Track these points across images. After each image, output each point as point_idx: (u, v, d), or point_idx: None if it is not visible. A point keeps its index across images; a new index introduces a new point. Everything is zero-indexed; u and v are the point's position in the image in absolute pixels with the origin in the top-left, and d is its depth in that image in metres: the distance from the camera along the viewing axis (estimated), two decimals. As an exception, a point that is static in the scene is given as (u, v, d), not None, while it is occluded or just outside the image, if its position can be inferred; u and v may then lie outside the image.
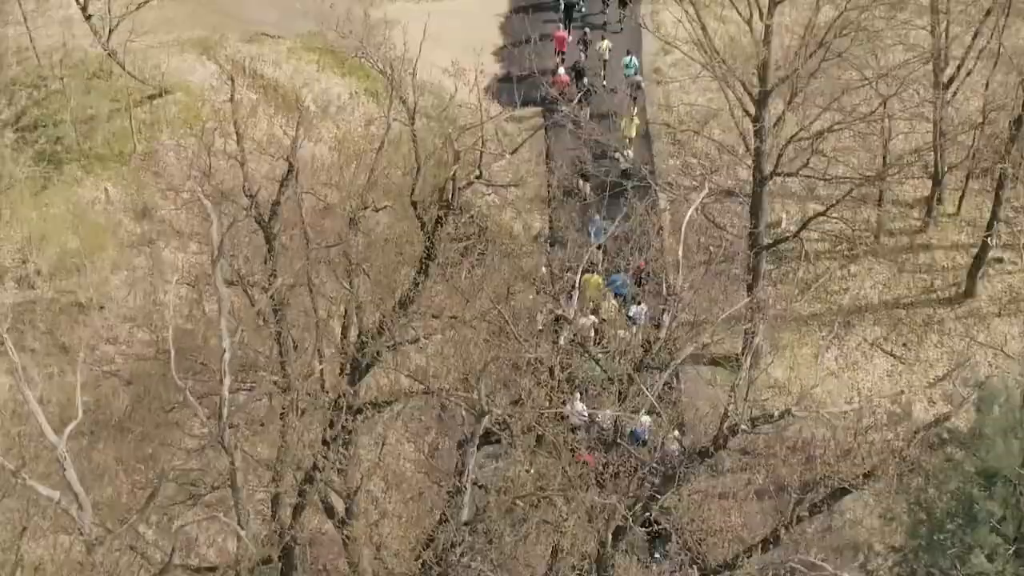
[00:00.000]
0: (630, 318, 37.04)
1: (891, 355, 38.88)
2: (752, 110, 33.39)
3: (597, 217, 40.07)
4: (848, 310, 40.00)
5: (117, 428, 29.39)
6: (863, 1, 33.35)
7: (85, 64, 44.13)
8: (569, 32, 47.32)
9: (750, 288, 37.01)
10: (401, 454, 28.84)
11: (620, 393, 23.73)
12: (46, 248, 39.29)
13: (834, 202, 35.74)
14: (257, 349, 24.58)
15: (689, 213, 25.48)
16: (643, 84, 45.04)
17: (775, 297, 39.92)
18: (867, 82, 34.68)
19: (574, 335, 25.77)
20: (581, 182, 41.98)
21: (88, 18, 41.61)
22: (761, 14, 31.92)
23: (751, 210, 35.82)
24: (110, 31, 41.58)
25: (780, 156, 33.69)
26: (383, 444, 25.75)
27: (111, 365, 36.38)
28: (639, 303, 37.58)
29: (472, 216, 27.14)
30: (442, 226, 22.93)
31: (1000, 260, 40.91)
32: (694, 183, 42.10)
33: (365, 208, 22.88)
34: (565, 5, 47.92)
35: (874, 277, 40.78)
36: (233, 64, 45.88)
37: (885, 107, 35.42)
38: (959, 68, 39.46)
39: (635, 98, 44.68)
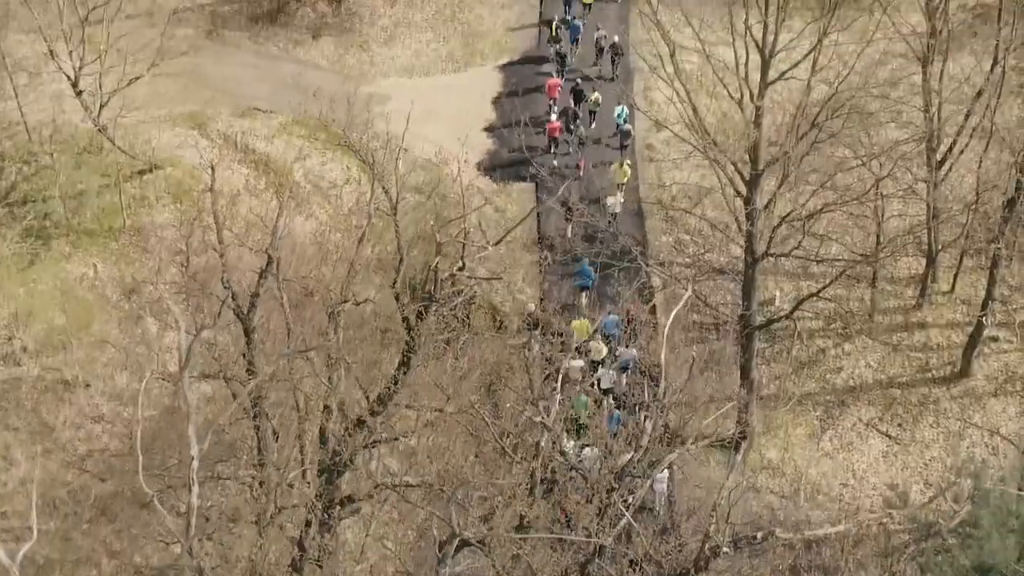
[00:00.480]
0: (622, 366, 37.80)
1: (886, 436, 38.39)
2: (744, 191, 33.15)
3: (585, 261, 40.63)
4: (842, 389, 39.54)
5: (95, 517, 28.86)
6: (854, 82, 33.24)
7: (75, 139, 43.99)
8: (563, 79, 47.87)
9: (743, 368, 36.69)
10: (382, 552, 28.23)
11: (600, 509, 23.25)
12: (32, 325, 38.87)
13: (827, 283, 35.45)
14: (237, 439, 24.17)
15: (672, 316, 25.12)
16: (633, 132, 45.58)
17: (768, 376, 39.58)
18: (860, 163, 34.49)
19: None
20: (565, 223, 42.86)
21: (79, 94, 41.50)
22: (752, 95, 31.74)
23: (743, 290, 35.51)
24: (101, 107, 41.51)
25: (772, 236, 33.40)
26: (363, 546, 25.20)
27: (95, 443, 36.06)
28: (629, 346, 37.87)
29: (460, 291, 26.75)
30: (424, 319, 22.56)
31: (996, 339, 40.52)
32: (687, 260, 41.94)
33: (345, 302, 22.52)
34: (558, 55, 48.62)
35: (868, 356, 40.35)
36: (224, 139, 45.87)
37: (878, 188, 35.21)
38: (952, 147, 39.31)
39: (625, 146, 45.39)
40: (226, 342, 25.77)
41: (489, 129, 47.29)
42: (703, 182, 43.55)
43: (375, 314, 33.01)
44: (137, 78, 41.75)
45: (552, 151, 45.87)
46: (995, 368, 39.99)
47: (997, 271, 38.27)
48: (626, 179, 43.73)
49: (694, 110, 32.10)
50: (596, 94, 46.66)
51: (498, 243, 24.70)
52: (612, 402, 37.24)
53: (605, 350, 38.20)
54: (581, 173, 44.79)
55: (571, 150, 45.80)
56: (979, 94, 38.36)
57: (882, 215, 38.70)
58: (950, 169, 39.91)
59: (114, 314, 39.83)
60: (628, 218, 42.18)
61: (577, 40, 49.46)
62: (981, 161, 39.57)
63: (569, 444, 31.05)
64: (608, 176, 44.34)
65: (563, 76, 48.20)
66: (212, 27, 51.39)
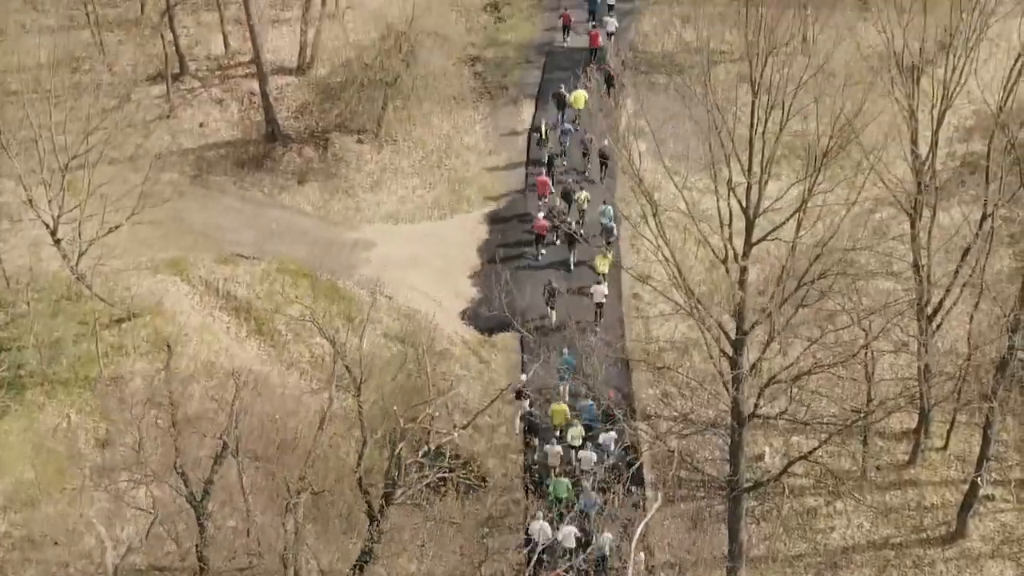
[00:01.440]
0: (599, 446, 38.78)
1: (880, 601, 37.13)
2: (730, 351, 32.39)
3: (565, 350, 41.46)
4: (834, 551, 38.29)
5: None
6: (843, 237, 32.70)
7: (53, 286, 43.38)
8: (552, 180, 48.91)
9: (731, 530, 35.59)
10: None
11: None
12: (1, 479, 37.87)
13: (817, 445, 34.54)
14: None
15: (638, 531, 24.17)
16: (616, 230, 46.68)
17: (757, 537, 38.40)
18: (850, 322, 33.80)
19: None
20: (548, 307, 44.26)
21: (57, 243, 40.98)
22: (736, 256, 31.16)
23: (731, 452, 34.55)
24: (80, 255, 40.95)
25: (760, 396, 32.57)
26: None
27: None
28: (609, 431, 38.39)
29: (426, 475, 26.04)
30: (388, 508, 21.62)
31: (991, 498, 39.45)
32: (674, 414, 40.99)
33: (300, 493, 21.59)
34: (548, 157, 49.74)
35: (861, 515, 39.18)
36: (206, 285, 45.33)
37: (868, 347, 34.46)
38: (944, 299, 38.66)
39: (609, 242, 46.43)
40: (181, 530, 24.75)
41: (474, 277, 46.67)
42: (691, 333, 42.81)
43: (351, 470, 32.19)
44: (116, 227, 41.26)
45: (538, 249, 46.94)
46: (991, 528, 38.84)
47: (991, 430, 37.35)
48: (608, 269, 44.71)
49: (678, 270, 31.47)
50: (585, 193, 47.55)
51: (466, 426, 23.81)
52: (590, 484, 37.87)
53: (583, 435, 39.18)
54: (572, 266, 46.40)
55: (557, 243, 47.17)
56: (967, 251, 37.84)
57: (872, 370, 37.93)
58: (941, 323, 39.23)
59: (87, 468, 38.82)
60: (614, 371, 41.35)
61: (566, 144, 50.75)
62: (972, 316, 38.91)
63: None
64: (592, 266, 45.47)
65: (552, 178, 49.14)
66: (197, 172, 51.14)
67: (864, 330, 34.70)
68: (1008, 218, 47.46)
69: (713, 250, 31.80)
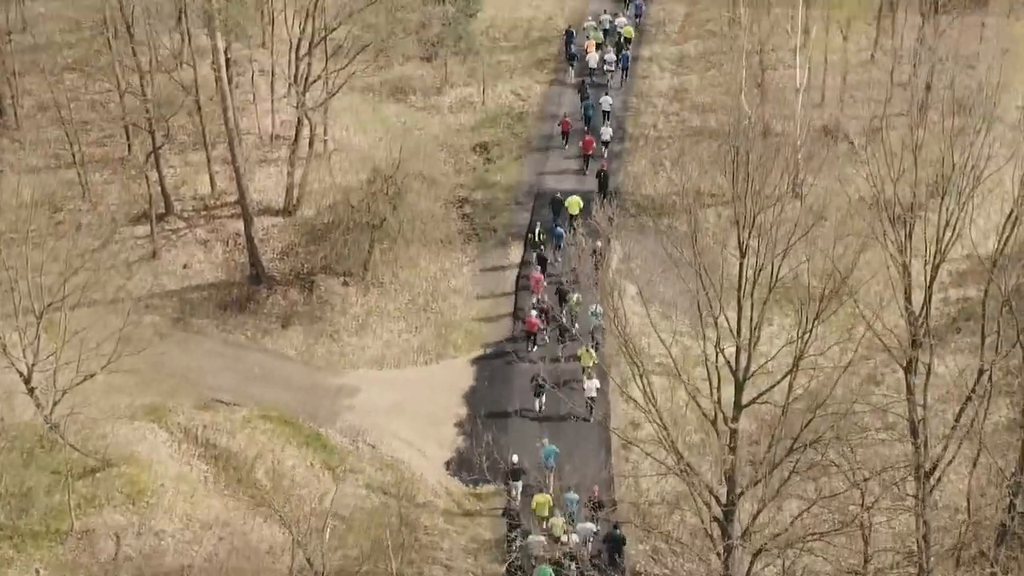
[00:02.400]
0: (582, 539, 39.58)
1: None
2: (720, 515, 31.23)
3: (546, 440, 42.82)
4: None
5: None
6: (836, 399, 31.78)
7: (26, 435, 42.09)
8: (545, 276, 50.57)
9: None
10: None
11: None
12: (-35, 640, 36.42)
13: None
14: None
15: None
16: (604, 329, 46.88)
17: None
18: (846, 485, 32.66)
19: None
20: (535, 398, 45.49)
21: (31, 391, 39.94)
22: (726, 419, 30.19)
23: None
24: (54, 404, 39.89)
25: (752, 564, 31.34)
26: None
27: None
28: (588, 521, 39.94)
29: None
30: None
31: (994, 662, 37.84)
32: (665, 571, 39.60)
33: None
34: (540, 258, 51.23)
35: None
36: (185, 433, 44.24)
37: (864, 502, 33.29)
38: (942, 455, 37.52)
39: (596, 342, 47.38)
40: None
41: (459, 425, 45.55)
42: (681, 486, 41.58)
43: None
44: (91, 375, 40.24)
45: (529, 346, 48.17)
46: None
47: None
48: (592, 363, 45.75)
49: (667, 432, 30.47)
50: (577, 295, 48.60)
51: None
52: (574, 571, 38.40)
53: (563, 526, 39.86)
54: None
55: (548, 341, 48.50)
56: (965, 404, 36.83)
57: (869, 532, 36.63)
58: (940, 477, 38.05)
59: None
60: (602, 532, 40.19)
61: (560, 246, 52.23)
62: (972, 472, 37.75)
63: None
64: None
65: (545, 274, 50.90)
66: (179, 314, 50.35)
67: (860, 489, 33.63)
68: (1005, 367, 46.55)
69: (703, 411, 30.81)
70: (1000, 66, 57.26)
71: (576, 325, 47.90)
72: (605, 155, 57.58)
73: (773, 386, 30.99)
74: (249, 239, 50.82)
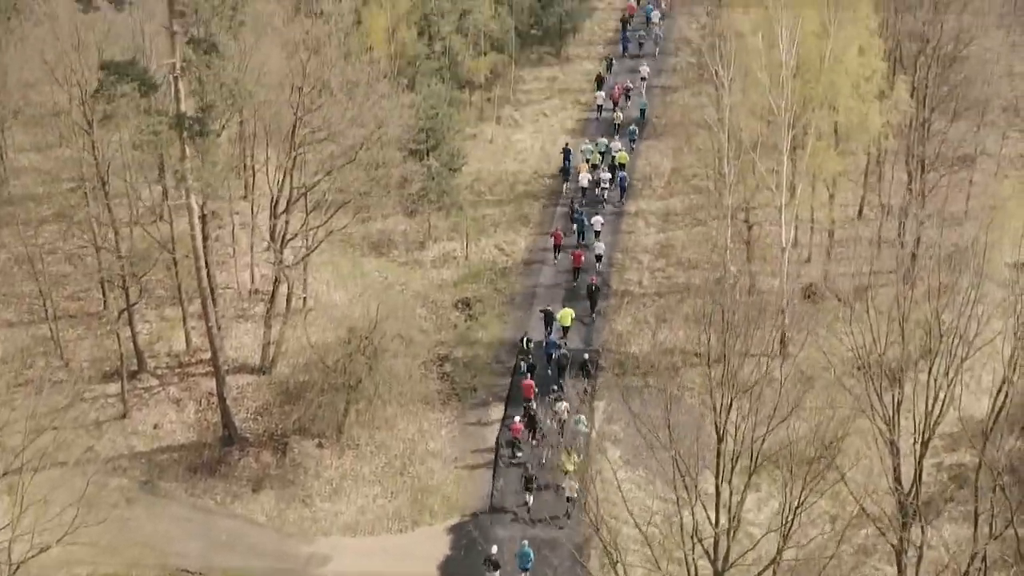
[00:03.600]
0: None
1: None
2: None
3: (525, 542, 43.79)
4: None
5: None
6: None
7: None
8: (534, 384, 51.70)
9: None
10: None
11: None
12: None
13: None
14: None
15: None
16: (586, 434, 48.02)
17: None
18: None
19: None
20: (525, 493, 46.77)
21: (-17, 563, 38.19)
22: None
23: None
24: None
25: None
26: None
27: None
28: None
29: None
30: None
31: None
32: None
33: None
34: (528, 366, 52.80)
35: None
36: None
37: None
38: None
39: (580, 450, 47.51)
40: None
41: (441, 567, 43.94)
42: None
43: None
44: (46, 548, 38.52)
45: (513, 451, 49.21)
46: None
47: None
48: (573, 468, 45.77)
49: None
50: (564, 404, 49.82)
51: None
52: None
53: None
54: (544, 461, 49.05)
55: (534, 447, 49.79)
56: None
57: None
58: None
59: None
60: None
61: (551, 356, 53.49)
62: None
63: None
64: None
65: (534, 380, 51.97)
66: (147, 477, 48.67)
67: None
68: (1001, 537, 44.97)
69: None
70: (988, 224, 57.20)
71: (564, 432, 48.78)
72: (598, 269, 59.92)
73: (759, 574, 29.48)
74: (221, 399, 49.44)
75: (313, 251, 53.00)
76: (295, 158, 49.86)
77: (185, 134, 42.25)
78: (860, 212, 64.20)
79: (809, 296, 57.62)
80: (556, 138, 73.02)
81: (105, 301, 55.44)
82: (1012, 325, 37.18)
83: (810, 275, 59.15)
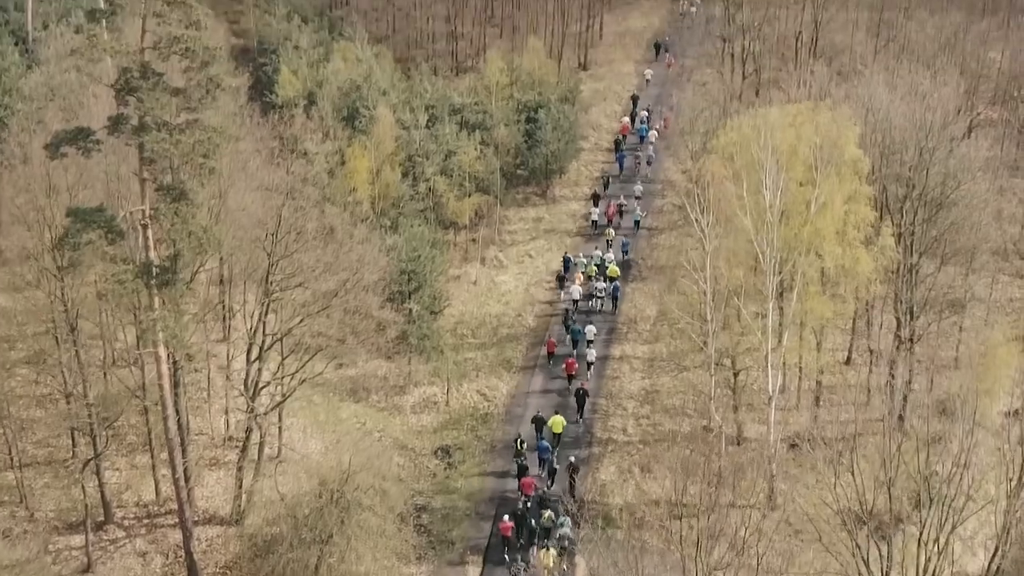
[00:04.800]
0: None
1: None
2: None
3: None
4: None
5: None
6: None
7: None
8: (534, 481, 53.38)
9: None
10: None
11: None
12: None
13: None
14: None
15: None
16: (571, 538, 49.60)
17: None
18: None
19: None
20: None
21: None
22: None
23: None
24: None
25: None
26: None
27: None
28: None
29: None
30: None
31: None
32: None
33: None
34: (519, 467, 53.81)
35: None
36: None
37: None
38: None
39: (563, 548, 49.45)
40: None
41: None
42: None
43: None
44: None
45: (505, 551, 49.97)
46: None
47: None
48: (552, 564, 47.69)
49: None
50: (548, 512, 50.51)
51: None
52: None
53: None
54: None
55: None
56: None
57: None
58: None
59: None
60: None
61: (543, 461, 54.77)
62: None
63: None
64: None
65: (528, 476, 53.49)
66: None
67: None
68: None
69: None
70: (978, 373, 56.06)
71: (548, 541, 49.76)
72: (589, 376, 62.02)
73: None
74: (188, 554, 47.59)
75: (286, 399, 51.62)
76: (267, 304, 48.79)
77: (152, 283, 41.17)
78: (849, 358, 63.13)
79: (797, 445, 56.21)
80: (541, 279, 72.58)
81: (74, 449, 53.90)
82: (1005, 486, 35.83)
83: (798, 423, 57.79)
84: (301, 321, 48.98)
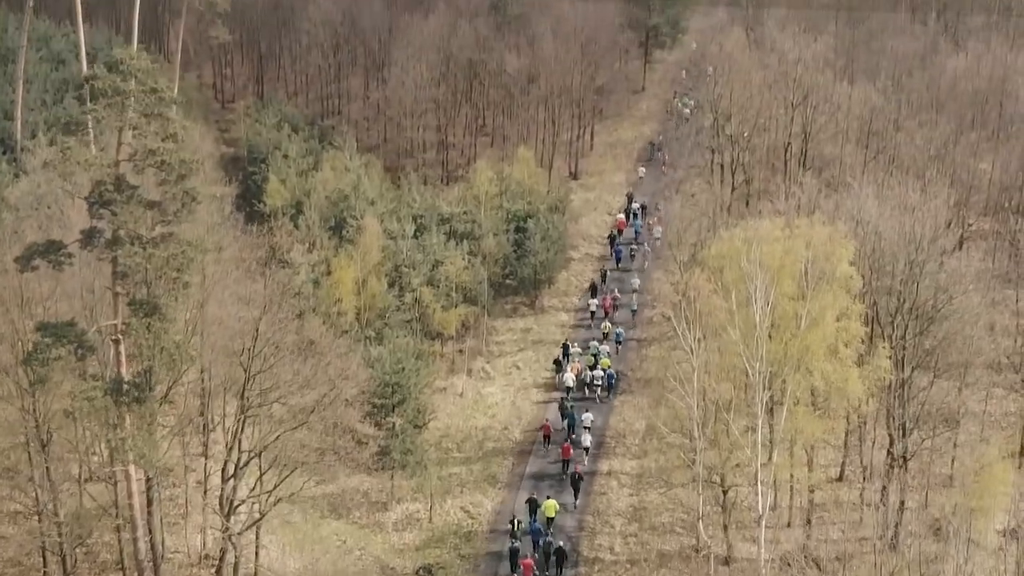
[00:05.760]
0: None
1: None
2: None
3: None
4: None
5: None
6: None
7: None
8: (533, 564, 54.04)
9: None
10: None
11: None
12: None
13: None
14: None
15: None
16: None
17: None
18: None
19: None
20: None
21: None
22: None
23: None
24: None
25: None
26: None
27: None
28: None
29: None
30: None
31: None
32: None
33: None
34: (511, 549, 54.82)
35: None
36: None
37: None
38: None
39: None
40: None
41: None
42: None
43: None
44: None
45: None
46: None
47: None
48: None
49: None
50: None
51: None
52: None
53: None
54: None
55: None
56: None
57: None
58: None
59: None
60: None
61: (537, 544, 55.51)
62: None
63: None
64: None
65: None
66: None
67: None
68: None
69: None
70: (974, 490, 54.70)
71: None
72: (584, 461, 63.33)
73: None
74: None
75: (264, 517, 50.17)
76: (243, 420, 47.61)
77: (122, 400, 40.06)
78: (841, 475, 61.77)
79: (790, 564, 54.63)
80: (529, 392, 71.63)
81: (45, 569, 52.25)
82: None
83: (790, 540, 56.30)
84: (278, 437, 47.72)
